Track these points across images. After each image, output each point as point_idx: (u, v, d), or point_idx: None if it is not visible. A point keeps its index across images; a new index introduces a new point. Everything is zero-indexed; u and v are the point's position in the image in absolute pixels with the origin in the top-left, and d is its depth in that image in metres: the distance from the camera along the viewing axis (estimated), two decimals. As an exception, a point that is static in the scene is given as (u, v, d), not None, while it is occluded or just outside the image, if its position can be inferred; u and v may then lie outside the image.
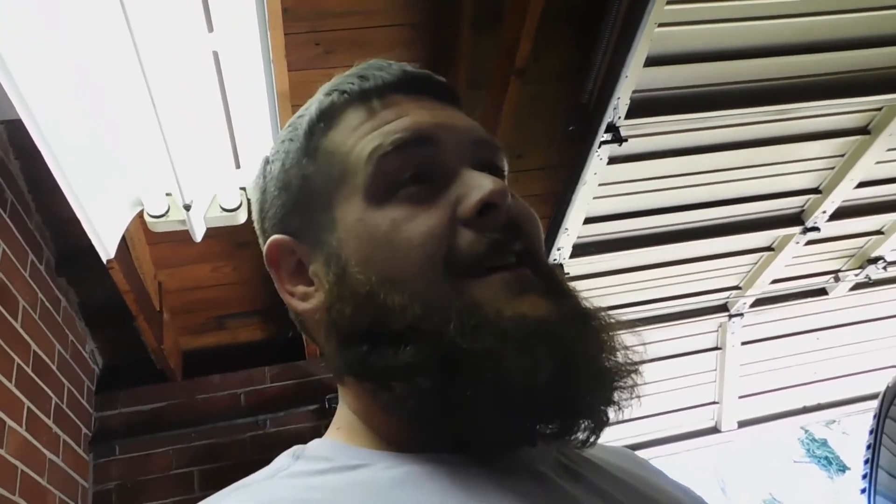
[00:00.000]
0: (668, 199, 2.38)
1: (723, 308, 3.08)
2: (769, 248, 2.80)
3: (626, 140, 1.97)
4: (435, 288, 0.43)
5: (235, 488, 0.43)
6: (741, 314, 3.08)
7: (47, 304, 2.04)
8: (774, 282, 2.97)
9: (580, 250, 2.43)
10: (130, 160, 1.25)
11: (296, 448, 0.47)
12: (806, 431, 10.65)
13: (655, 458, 3.30)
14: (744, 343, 3.20)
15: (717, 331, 3.16)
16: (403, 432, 0.46)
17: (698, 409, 3.33)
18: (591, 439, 0.44)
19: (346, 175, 0.48)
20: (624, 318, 0.48)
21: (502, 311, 0.42)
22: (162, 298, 2.31)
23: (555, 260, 2.37)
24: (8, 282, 1.80)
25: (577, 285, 0.47)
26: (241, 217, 1.36)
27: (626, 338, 0.46)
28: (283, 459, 0.46)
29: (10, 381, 1.76)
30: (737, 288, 2.99)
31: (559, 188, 2.24)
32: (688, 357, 3.16)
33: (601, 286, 2.67)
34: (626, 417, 0.45)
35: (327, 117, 0.50)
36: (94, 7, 1.09)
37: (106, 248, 1.21)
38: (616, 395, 0.44)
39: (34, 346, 1.92)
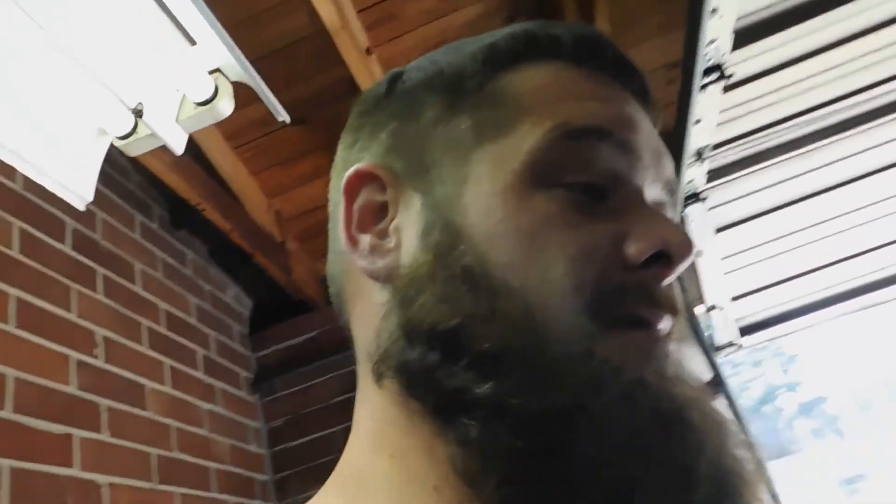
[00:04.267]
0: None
1: None
2: None
3: None
4: (567, 319, 0.33)
5: None
6: None
7: (170, 260, 2.01)
8: None
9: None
10: (78, 86, 1.01)
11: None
12: None
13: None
14: None
15: None
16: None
17: None
18: None
19: (509, 133, 0.37)
20: None
21: (643, 378, 0.32)
22: (283, 227, 2.18)
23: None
24: (114, 247, 1.76)
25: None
26: (225, 108, 1.04)
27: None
28: None
29: (140, 345, 1.74)
30: None
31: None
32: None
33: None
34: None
35: (512, 56, 0.40)
36: None
37: (82, 196, 1.01)
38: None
39: (163, 306, 1.89)
